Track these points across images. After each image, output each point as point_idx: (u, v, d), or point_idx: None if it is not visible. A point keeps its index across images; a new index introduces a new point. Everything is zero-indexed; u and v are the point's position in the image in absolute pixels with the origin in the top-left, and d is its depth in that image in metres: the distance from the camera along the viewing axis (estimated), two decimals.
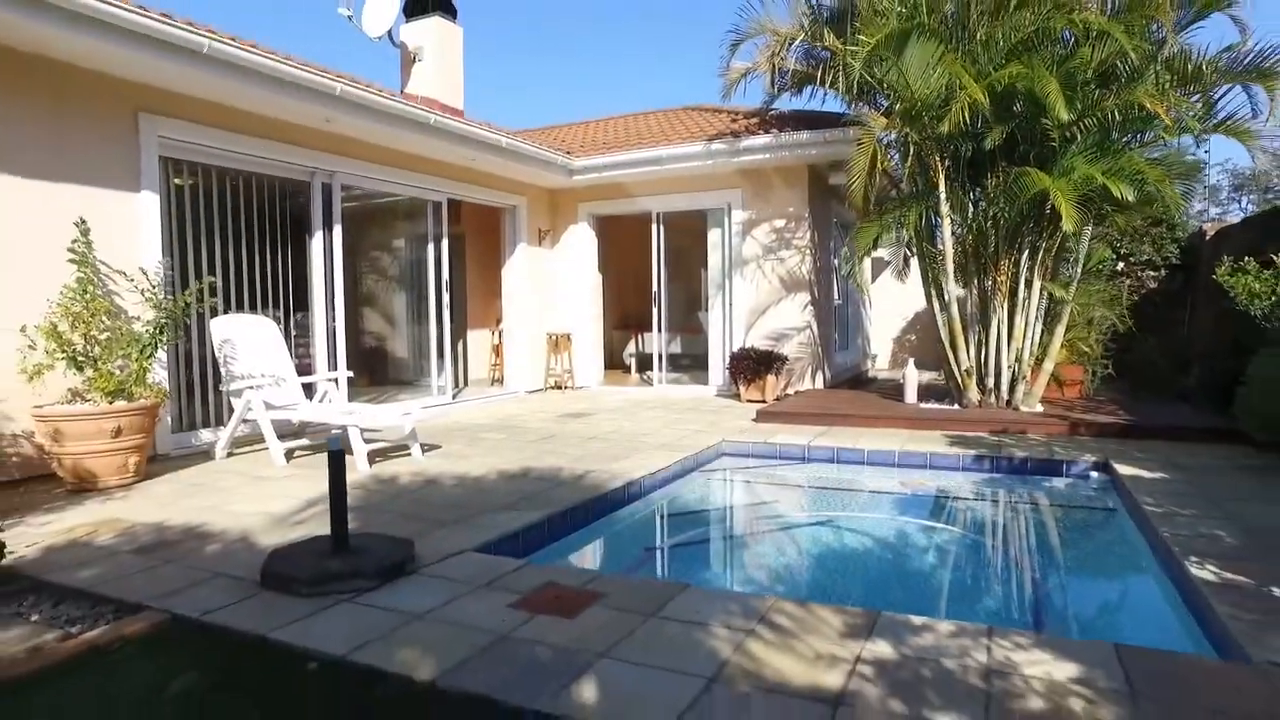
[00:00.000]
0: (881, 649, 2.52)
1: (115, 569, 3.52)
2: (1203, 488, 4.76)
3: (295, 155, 7.52)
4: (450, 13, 12.20)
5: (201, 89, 6.31)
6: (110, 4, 5.15)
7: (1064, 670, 2.35)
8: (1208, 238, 11.30)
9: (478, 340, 12.40)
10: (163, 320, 5.69)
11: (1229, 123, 6.90)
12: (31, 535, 4.06)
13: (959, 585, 4.22)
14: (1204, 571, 3.25)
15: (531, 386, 11.20)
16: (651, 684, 2.30)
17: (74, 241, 5.60)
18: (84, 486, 5.16)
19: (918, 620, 2.77)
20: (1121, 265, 12.12)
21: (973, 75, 6.72)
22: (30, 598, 3.28)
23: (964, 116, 6.61)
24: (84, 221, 5.65)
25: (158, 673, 2.58)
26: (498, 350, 11.78)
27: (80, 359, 5.32)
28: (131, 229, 6.14)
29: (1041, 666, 2.38)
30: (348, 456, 5.64)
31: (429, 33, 11.82)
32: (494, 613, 2.90)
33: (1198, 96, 7.02)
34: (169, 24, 5.53)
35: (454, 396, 10.02)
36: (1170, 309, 11.67)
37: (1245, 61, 6.54)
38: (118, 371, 5.42)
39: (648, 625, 2.76)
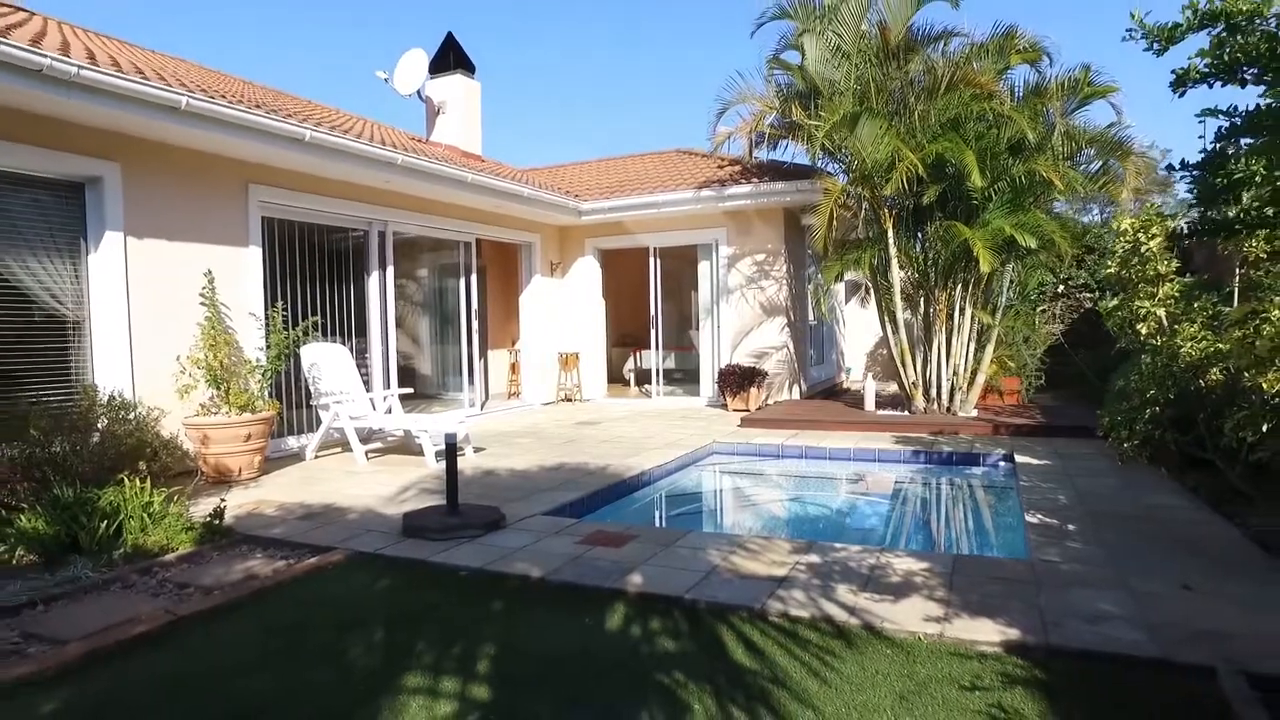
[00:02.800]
0: (812, 558, 4.15)
1: (293, 529, 5.10)
2: (1066, 470, 6.41)
3: (358, 210, 9.13)
4: (470, 70, 13.88)
5: (297, 165, 7.92)
6: (240, 110, 6.76)
7: (919, 566, 3.99)
8: None
9: (496, 359, 14.00)
10: (277, 351, 7.27)
11: (1106, 185, 8.66)
12: (214, 510, 5.62)
13: (878, 531, 5.95)
14: (1033, 518, 4.91)
15: (545, 399, 12.81)
16: (672, 576, 3.92)
17: (203, 288, 7.20)
18: (222, 479, 6.72)
19: (839, 545, 4.41)
20: (1061, 288, 13.88)
21: (911, 147, 8.42)
22: (245, 546, 4.86)
23: (904, 182, 8.29)
24: (210, 272, 7.26)
25: (364, 579, 4.17)
26: (514, 367, 13.38)
27: (218, 379, 6.90)
28: (241, 276, 7.72)
29: (905, 564, 4.02)
30: (416, 457, 7.27)
31: (452, 88, 13.51)
32: (566, 547, 4.51)
33: (1086, 164, 8.80)
34: (282, 121, 7.15)
35: (481, 408, 11.62)
36: (1100, 326, 13.45)
37: (1110, 141, 8.34)
38: (247, 390, 7.01)
39: (667, 551, 4.38)
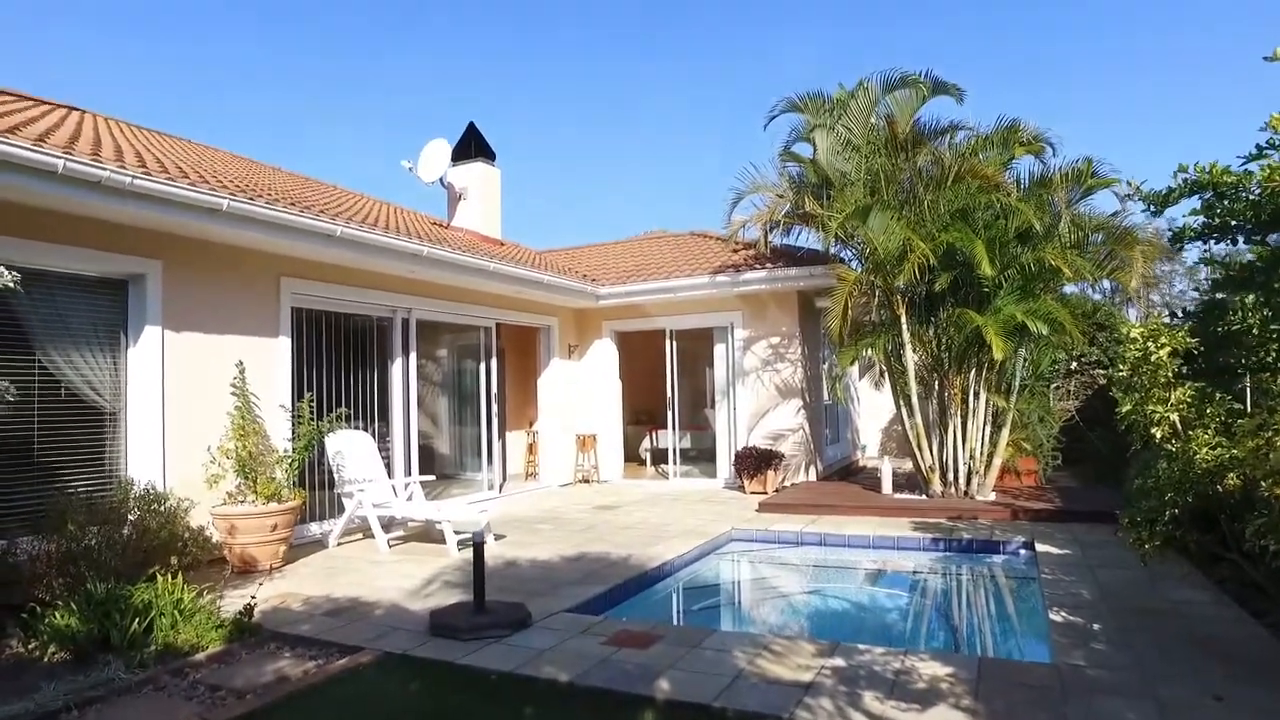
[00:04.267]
0: (837, 661, 4.17)
1: (321, 626, 5.15)
2: (1088, 560, 6.40)
3: (383, 298, 9.41)
4: (490, 157, 14.43)
5: (327, 257, 8.22)
6: (276, 210, 7.08)
7: (944, 670, 4.00)
8: None
9: (514, 439, 14.12)
10: (305, 442, 7.42)
11: (1115, 272, 8.85)
12: (241, 604, 5.68)
13: (900, 626, 5.90)
14: (1056, 616, 4.90)
15: (562, 480, 12.87)
16: (700, 682, 3.94)
17: (234, 379, 7.41)
18: (247, 569, 6.78)
19: (863, 647, 4.42)
20: (1075, 365, 13.96)
21: (922, 237, 8.66)
22: (273, 644, 4.91)
23: (916, 272, 8.51)
24: (241, 363, 7.48)
25: (395, 682, 4.21)
26: (532, 448, 13.48)
27: (246, 469, 7.04)
28: (270, 365, 7.94)
29: (930, 669, 4.03)
30: (438, 545, 7.33)
31: (473, 175, 14.02)
32: (593, 647, 4.54)
33: (1094, 250, 9.01)
34: (314, 219, 7.47)
35: (499, 490, 11.69)
36: (1115, 402, 13.48)
37: (1116, 229, 8.57)
38: (274, 479, 7.14)
39: (693, 652, 4.40)
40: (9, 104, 8.00)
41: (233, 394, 7.35)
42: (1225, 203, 3.49)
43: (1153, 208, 3.57)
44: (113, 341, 6.79)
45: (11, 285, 4.15)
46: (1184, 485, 3.78)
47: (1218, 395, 4.19)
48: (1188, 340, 3.86)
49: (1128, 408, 4.14)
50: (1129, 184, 3.59)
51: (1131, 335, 4.11)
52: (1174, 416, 4.00)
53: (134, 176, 5.80)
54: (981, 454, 9.59)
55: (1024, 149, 9.58)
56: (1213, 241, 3.62)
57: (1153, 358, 3.91)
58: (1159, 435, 4.07)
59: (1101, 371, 13.97)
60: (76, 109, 9.86)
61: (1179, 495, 3.82)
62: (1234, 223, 3.49)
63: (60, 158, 5.32)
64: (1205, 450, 3.70)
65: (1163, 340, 3.89)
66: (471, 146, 14.26)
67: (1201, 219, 3.63)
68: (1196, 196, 3.55)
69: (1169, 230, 3.75)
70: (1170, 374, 3.89)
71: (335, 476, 8.12)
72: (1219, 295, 4.80)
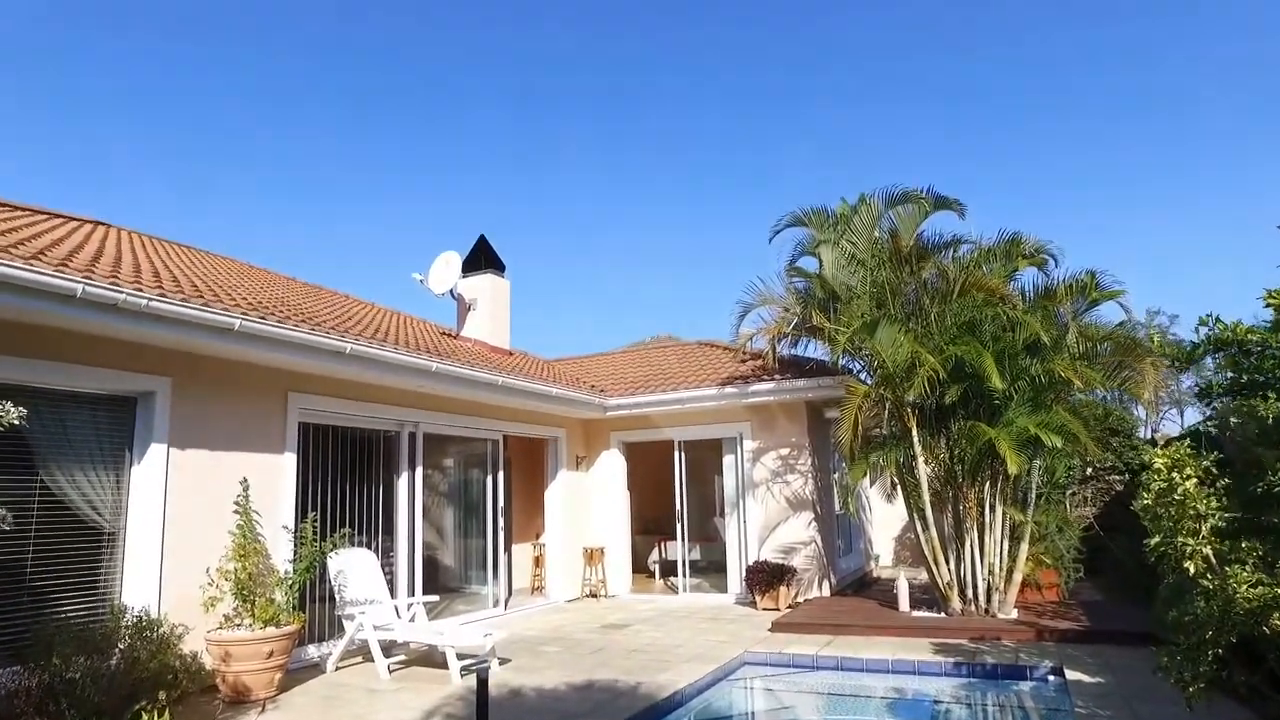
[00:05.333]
0: None
1: None
2: (1123, 691, 6.08)
3: (390, 412, 9.37)
4: (500, 269, 14.66)
5: (337, 373, 8.23)
6: (287, 329, 7.14)
7: None
8: (1159, 446, 12.98)
9: (520, 552, 13.78)
10: (307, 564, 7.23)
11: (1127, 384, 8.80)
12: None
13: None
14: None
15: (569, 595, 12.50)
16: None
17: (238, 496, 7.28)
18: (239, 699, 6.47)
19: None
20: (1090, 471, 13.71)
21: (930, 350, 8.67)
22: None
23: (926, 385, 8.47)
24: (245, 480, 7.37)
25: None
26: (538, 561, 13.15)
27: (245, 592, 6.83)
28: (275, 482, 7.83)
29: None
30: (440, 670, 7.02)
31: (482, 286, 14.19)
32: None
33: (1104, 359, 8.99)
34: (324, 336, 7.52)
35: (505, 605, 11.33)
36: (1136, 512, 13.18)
37: (1124, 339, 8.59)
38: (274, 601, 6.91)
39: None
40: (40, 222, 8.28)
41: (235, 512, 7.21)
42: (1252, 359, 3.48)
43: (1178, 364, 3.57)
44: (117, 459, 6.73)
45: (16, 422, 4.11)
46: (1225, 625, 3.60)
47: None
48: (1214, 471, 3.76)
49: (1156, 540, 3.99)
50: (1149, 331, 3.61)
51: (1155, 465, 4.00)
52: (1207, 549, 3.85)
53: (150, 299, 5.87)
54: (1001, 569, 9.30)
55: (1027, 261, 9.71)
56: (1241, 396, 3.59)
57: (1179, 489, 3.80)
58: (1192, 570, 3.91)
59: (1117, 477, 13.73)
60: (102, 224, 10.22)
61: (1220, 635, 3.63)
62: (1261, 379, 3.47)
63: (79, 282, 5.40)
64: (1245, 588, 3.54)
65: (1188, 471, 3.79)
66: (481, 259, 14.50)
67: (1228, 378, 3.61)
68: (1221, 353, 3.55)
69: (1197, 387, 3.74)
70: (1201, 506, 3.77)
71: (336, 597, 7.87)
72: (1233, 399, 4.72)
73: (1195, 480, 3.79)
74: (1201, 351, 3.46)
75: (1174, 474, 3.87)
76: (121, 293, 5.66)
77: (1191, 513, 3.77)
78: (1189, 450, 3.99)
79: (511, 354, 13.75)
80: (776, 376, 11.38)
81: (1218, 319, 3.57)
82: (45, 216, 8.97)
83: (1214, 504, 3.76)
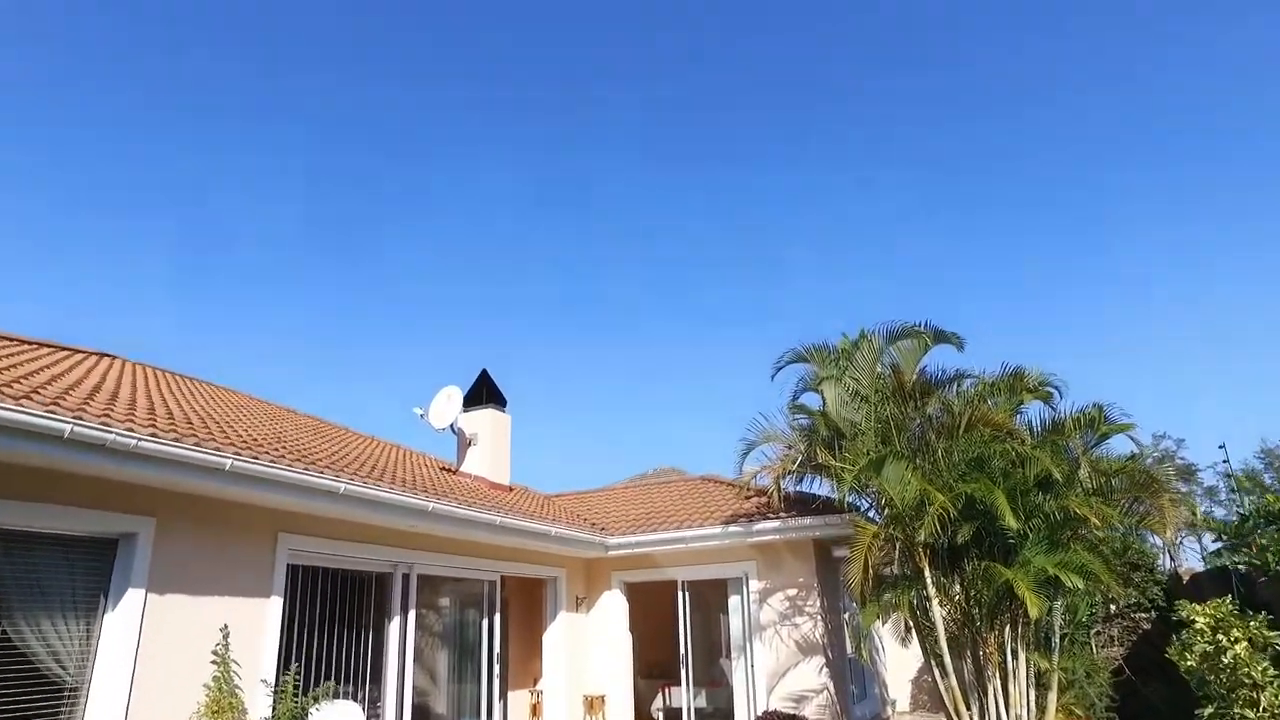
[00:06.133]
0: None
1: None
2: None
3: (383, 553, 9.03)
4: (501, 404, 14.58)
5: (330, 513, 7.97)
6: (279, 469, 6.97)
7: None
8: (1184, 582, 12.46)
9: (516, 699, 12.99)
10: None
11: (1146, 521, 8.52)
12: None
13: None
14: None
15: None
16: None
17: (217, 645, 6.89)
18: None
19: None
20: (1113, 608, 13.10)
21: (939, 487, 8.43)
22: None
23: (937, 525, 8.19)
24: (226, 627, 6.99)
25: None
26: (536, 709, 12.37)
27: None
28: (258, 629, 7.42)
29: None
30: None
31: (483, 421, 14.05)
32: None
33: (1120, 494, 8.75)
34: (318, 476, 7.34)
35: None
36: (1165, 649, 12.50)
37: (1139, 475, 8.37)
38: None
39: None
40: (44, 356, 8.31)
41: (213, 662, 6.81)
42: None
43: (1225, 538, 3.41)
44: (89, 607, 6.35)
45: None
46: None
47: None
48: (1266, 632, 3.50)
49: (1209, 711, 3.66)
50: (1192, 512, 3.46)
51: (1196, 623, 3.73)
52: None
53: (139, 439, 5.74)
54: None
55: (1031, 394, 9.63)
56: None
57: (1228, 654, 3.52)
58: None
59: (1143, 615, 13.12)
60: (109, 355, 10.26)
61: None
62: None
63: (68, 422, 5.29)
64: None
65: (1235, 634, 3.52)
66: (483, 393, 14.44)
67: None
68: (1272, 526, 3.41)
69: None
70: (1257, 674, 3.48)
71: None
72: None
73: (1246, 645, 3.51)
74: (1250, 526, 3.30)
75: (1219, 635, 3.59)
76: (111, 433, 5.54)
77: (1247, 681, 3.46)
78: (1233, 610, 3.72)
79: (512, 489, 13.47)
80: (782, 514, 11.07)
81: (1268, 494, 3.42)
82: (52, 350, 9.01)
83: (1271, 672, 3.47)
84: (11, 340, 8.54)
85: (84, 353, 9.77)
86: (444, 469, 12.97)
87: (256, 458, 6.81)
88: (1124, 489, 8.78)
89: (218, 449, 6.48)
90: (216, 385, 11.95)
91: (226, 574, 7.25)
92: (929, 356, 9.78)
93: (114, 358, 10.35)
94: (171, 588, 6.74)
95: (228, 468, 6.43)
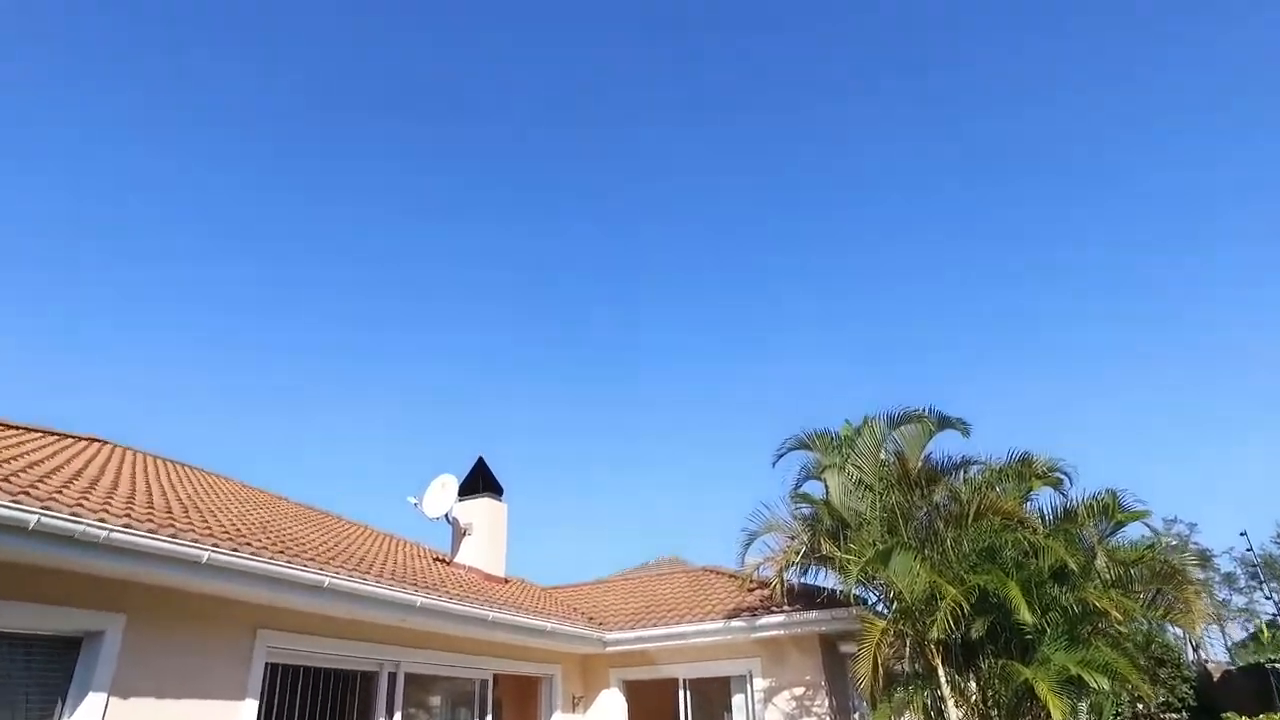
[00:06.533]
0: None
1: None
2: None
3: (370, 650, 8.60)
4: (498, 493, 14.25)
5: (313, 608, 7.61)
6: (259, 561, 6.67)
7: None
8: (1214, 679, 11.86)
9: None
10: None
11: (1170, 614, 8.12)
12: None
13: None
14: None
15: None
16: None
17: None
18: None
19: None
20: (1141, 706, 12.42)
21: (949, 579, 8.08)
22: None
23: (949, 621, 7.80)
24: None
25: None
26: None
27: None
28: None
29: None
30: None
31: (479, 511, 13.70)
32: None
33: (1140, 585, 8.36)
34: (301, 570, 7.03)
35: None
36: None
37: (1158, 565, 8.02)
38: None
39: None
40: (29, 441, 8.12)
41: None
42: None
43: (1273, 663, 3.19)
44: (44, 714, 5.93)
45: None
46: None
47: None
48: None
49: None
50: (1218, 605, 3.25)
51: None
52: None
53: (110, 530, 5.49)
54: None
55: (1040, 481, 9.36)
56: None
57: None
58: None
59: (1175, 717, 12.46)
60: (98, 440, 10.08)
61: None
62: None
63: (35, 512, 5.06)
64: None
65: None
66: (480, 482, 14.12)
67: None
68: None
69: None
70: None
71: None
72: None
73: None
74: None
75: None
76: (80, 524, 5.30)
77: None
78: None
79: (507, 582, 13.02)
80: (786, 608, 10.61)
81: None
82: (39, 435, 8.83)
83: None
84: (3, 426, 8.39)
85: (75, 438, 9.60)
86: (438, 559, 12.57)
87: (237, 549, 6.53)
88: (1144, 580, 8.40)
89: (195, 540, 6.21)
90: (208, 471, 11.71)
91: (199, 676, 6.85)
92: (934, 442, 9.57)
93: (104, 443, 10.17)
94: (137, 690, 6.33)
95: (204, 560, 6.15)
